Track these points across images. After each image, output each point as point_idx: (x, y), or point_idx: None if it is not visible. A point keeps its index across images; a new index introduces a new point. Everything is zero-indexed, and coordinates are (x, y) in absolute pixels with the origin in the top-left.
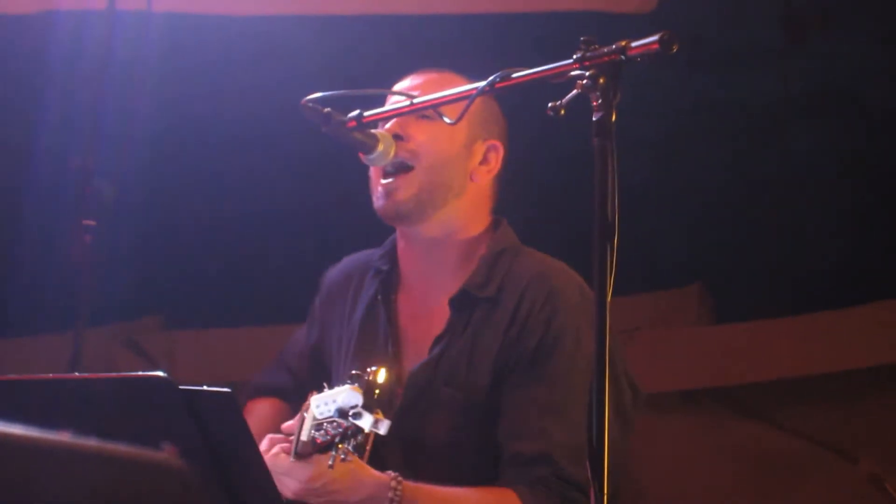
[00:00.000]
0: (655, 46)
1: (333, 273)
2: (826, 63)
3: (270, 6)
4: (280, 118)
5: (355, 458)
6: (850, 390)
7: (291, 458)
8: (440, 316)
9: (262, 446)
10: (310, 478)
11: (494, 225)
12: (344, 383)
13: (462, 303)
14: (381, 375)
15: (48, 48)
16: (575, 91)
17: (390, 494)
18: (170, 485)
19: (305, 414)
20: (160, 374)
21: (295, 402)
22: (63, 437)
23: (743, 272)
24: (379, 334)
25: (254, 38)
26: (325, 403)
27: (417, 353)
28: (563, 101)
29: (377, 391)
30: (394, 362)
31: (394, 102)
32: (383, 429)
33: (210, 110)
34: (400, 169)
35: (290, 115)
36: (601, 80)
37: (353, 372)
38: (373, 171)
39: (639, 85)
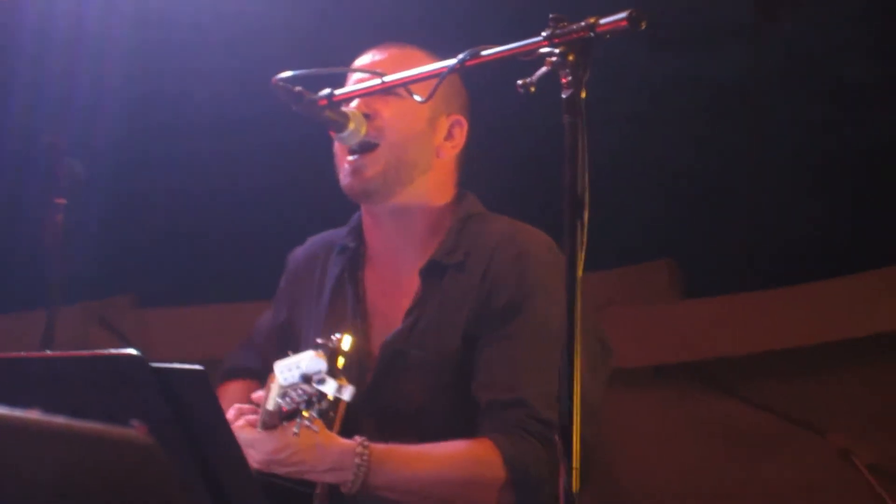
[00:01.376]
0: (624, 23)
1: (299, 253)
2: (797, 40)
3: None
4: (251, 95)
5: (322, 426)
6: (819, 364)
7: (258, 429)
8: (410, 288)
9: (229, 415)
10: (275, 449)
11: (459, 197)
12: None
13: (432, 272)
14: (346, 342)
15: (18, 26)
16: (544, 68)
17: (357, 460)
18: (140, 462)
19: (272, 384)
20: (132, 351)
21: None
22: (31, 414)
23: (712, 247)
24: (347, 310)
25: (225, 15)
26: (288, 370)
27: (389, 325)
28: (533, 78)
29: (341, 358)
30: (363, 337)
31: (357, 80)
32: (347, 395)
33: (181, 88)
34: (365, 147)
35: (261, 92)
36: (570, 58)
37: (318, 340)
38: (338, 149)
39: (609, 62)
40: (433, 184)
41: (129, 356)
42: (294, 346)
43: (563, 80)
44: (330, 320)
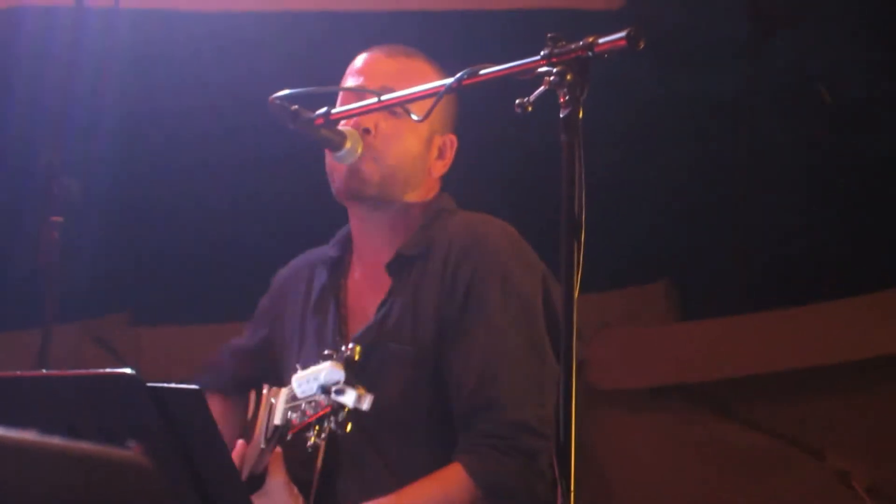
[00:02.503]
0: (623, 43)
1: (283, 272)
2: (794, 58)
3: (237, 3)
4: (247, 114)
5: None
6: (817, 387)
7: (262, 445)
8: (383, 285)
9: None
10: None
11: (435, 197)
12: (318, 362)
13: (398, 266)
14: (358, 352)
15: (15, 44)
16: (542, 87)
17: None
18: (137, 483)
19: (273, 399)
20: (128, 371)
21: (235, 398)
22: (28, 435)
23: (710, 269)
24: (329, 320)
25: (221, 34)
26: (307, 382)
27: (364, 324)
28: (531, 97)
29: (356, 368)
30: (341, 340)
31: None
32: (366, 404)
33: (177, 107)
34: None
35: (257, 110)
36: (568, 77)
37: (326, 352)
38: (332, 160)
39: (606, 81)
40: (418, 196)
41: (125, 375)
42: (273, 363)
43: (561, 100)
44: (313, 330)
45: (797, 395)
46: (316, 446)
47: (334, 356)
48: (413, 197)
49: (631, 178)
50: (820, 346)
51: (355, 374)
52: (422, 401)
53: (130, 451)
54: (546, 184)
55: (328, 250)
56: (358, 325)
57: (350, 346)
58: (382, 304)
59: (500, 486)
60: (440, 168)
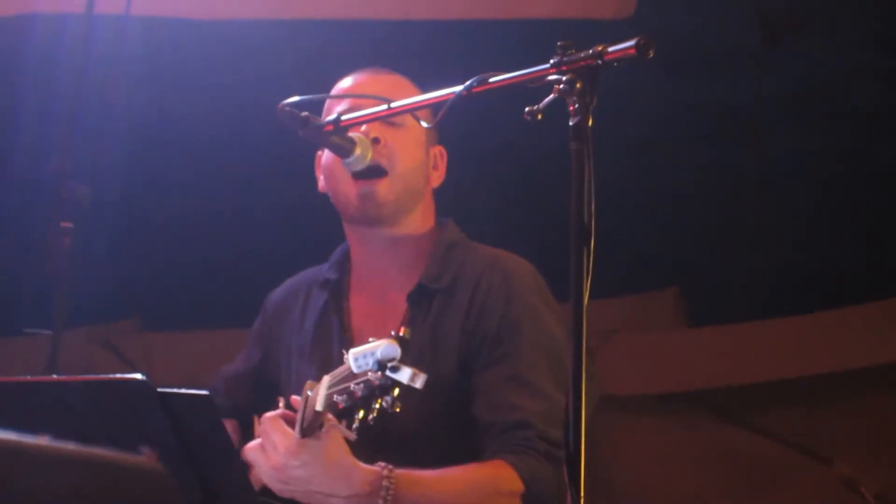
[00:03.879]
0: (632, 51)
1: (276, 294)
2: (803, 65)
3: (245, 10)
4: (256, 120)
5: (346, 449)
6: (825, 393)
7: (297, 435)
8: (396, 312)
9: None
10: (305, 462)
11: (440, 225)
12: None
13: (419, 296)
14: (408, 333)
15: (26, 51)
16: (552, 95)
17: (385, 483)
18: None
19: (309, 392)
20: (137, 376)
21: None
22: (42, 440)
23: (718, 276)
24: (333, 340)
25: (229, 42)
26: (363, 357)
27: None
28: (540, 105)
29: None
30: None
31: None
32: (419, 383)
33: (186, 113)
34: (374, 172)
35: (266, 116)
36: (578, 85)
37: (371, 339)
38: (338, 171)
39: (616, 88)
40: (423, 210)
41: (135, 381)
42: (269, 388)
43: (571, 108)
44: (315, 352)
45: (805, 401)
46: (364, 426)
47: (392, 335)
48: (419, 210)
49: (640, 186)
50: (828, 354)
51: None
52: (437, 431)
53: (143, 457)
54: (557, 191)
55: (325, 272)
56: None
57: (401, 327)
58: None
59: (540, 485)
60: (437, 179)
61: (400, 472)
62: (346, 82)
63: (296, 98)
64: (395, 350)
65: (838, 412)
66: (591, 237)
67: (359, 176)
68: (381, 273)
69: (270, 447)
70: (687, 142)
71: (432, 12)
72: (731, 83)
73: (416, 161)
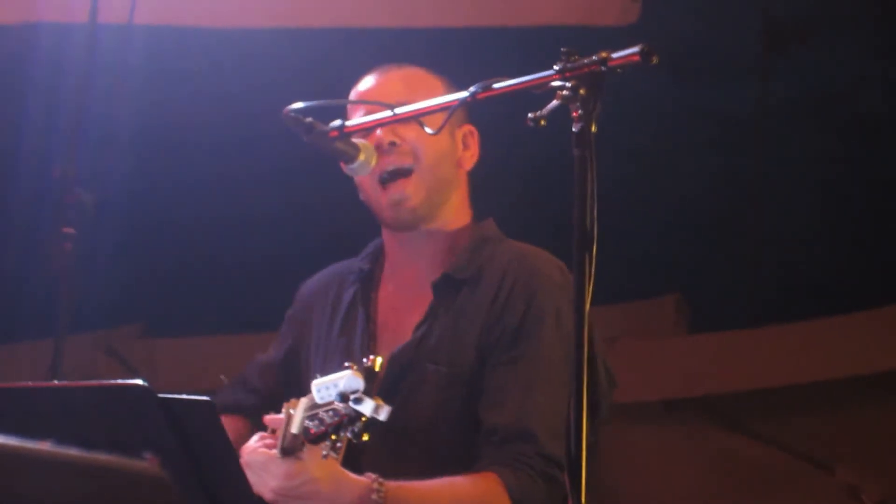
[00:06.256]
0: (636, 58)
1: (309, 284)
2: (807, 73)
3: (248, 19)
4: (259, 128)
5: (334, 459)
6: (827, 401)
7: (277, 454)
8: (422, 303)
9: (250, 442)
10: (289, 473)
11: (477, 222)
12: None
13: (444, 286)
14: (378, 364)
15: (30, 59)
16: (556, 102)
17: (374, 497)
18: (150, 494)
19: (292, 410)
20: (139, 382)
21: (258, 420)
22: (44, 446)
23: (720, 282)
24: (357, 330)
25: (232, 51)
26: (325, 388)
27: (396, 340)
28: (544, 111)
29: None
30: (370, 353)
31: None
32: (383, 415)
33: (190, 120)
34: (399, 174)
35: (270, 123)
36: (582, 91)
37: (346, 364)
38: (366, 180)
39: (620, 95)
40: (459, 198)
41: (137, 387)
42: (296, 375)
43: (574, 114)
44: (340, 342)
45: (807, 408)
46: (331, 455)
47: (355, 366)
48: (455, 199)
49: (642, 192)
50: (830, 361)
51: (376, 386)
52: (451, 423)
53: (145, 462)
54: (559, 197)
55: (359, 263)
56: (388, 341)
57: (371, 357)
58: (421, 323)
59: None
60: (469, 159)
61: (390, 483)
62: (363, 84)
63: (300, 104)
64: (358, 382)
65: (840, 419)
66: (593, 243)
67: (385, 181)
68: (412, 265)
69: (264, 474)
70: (690, 149)
71: (436, 20)
72: (734, 90)
73: (441, 148)
